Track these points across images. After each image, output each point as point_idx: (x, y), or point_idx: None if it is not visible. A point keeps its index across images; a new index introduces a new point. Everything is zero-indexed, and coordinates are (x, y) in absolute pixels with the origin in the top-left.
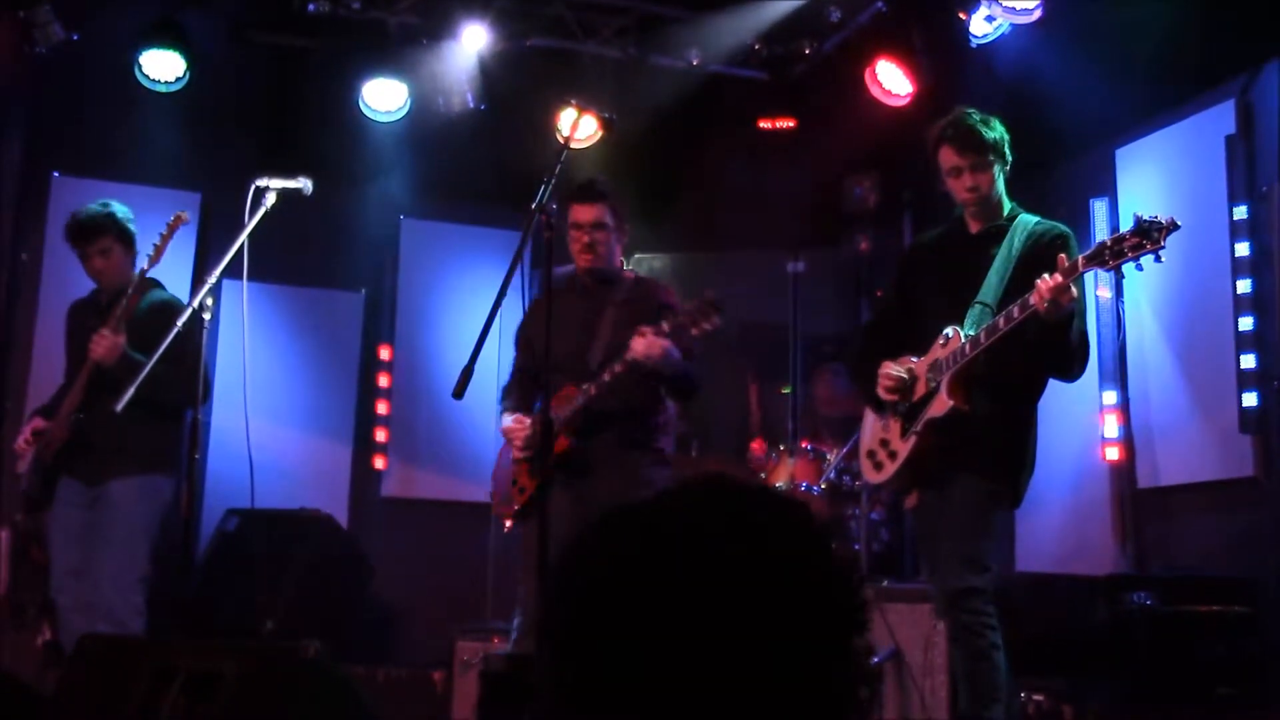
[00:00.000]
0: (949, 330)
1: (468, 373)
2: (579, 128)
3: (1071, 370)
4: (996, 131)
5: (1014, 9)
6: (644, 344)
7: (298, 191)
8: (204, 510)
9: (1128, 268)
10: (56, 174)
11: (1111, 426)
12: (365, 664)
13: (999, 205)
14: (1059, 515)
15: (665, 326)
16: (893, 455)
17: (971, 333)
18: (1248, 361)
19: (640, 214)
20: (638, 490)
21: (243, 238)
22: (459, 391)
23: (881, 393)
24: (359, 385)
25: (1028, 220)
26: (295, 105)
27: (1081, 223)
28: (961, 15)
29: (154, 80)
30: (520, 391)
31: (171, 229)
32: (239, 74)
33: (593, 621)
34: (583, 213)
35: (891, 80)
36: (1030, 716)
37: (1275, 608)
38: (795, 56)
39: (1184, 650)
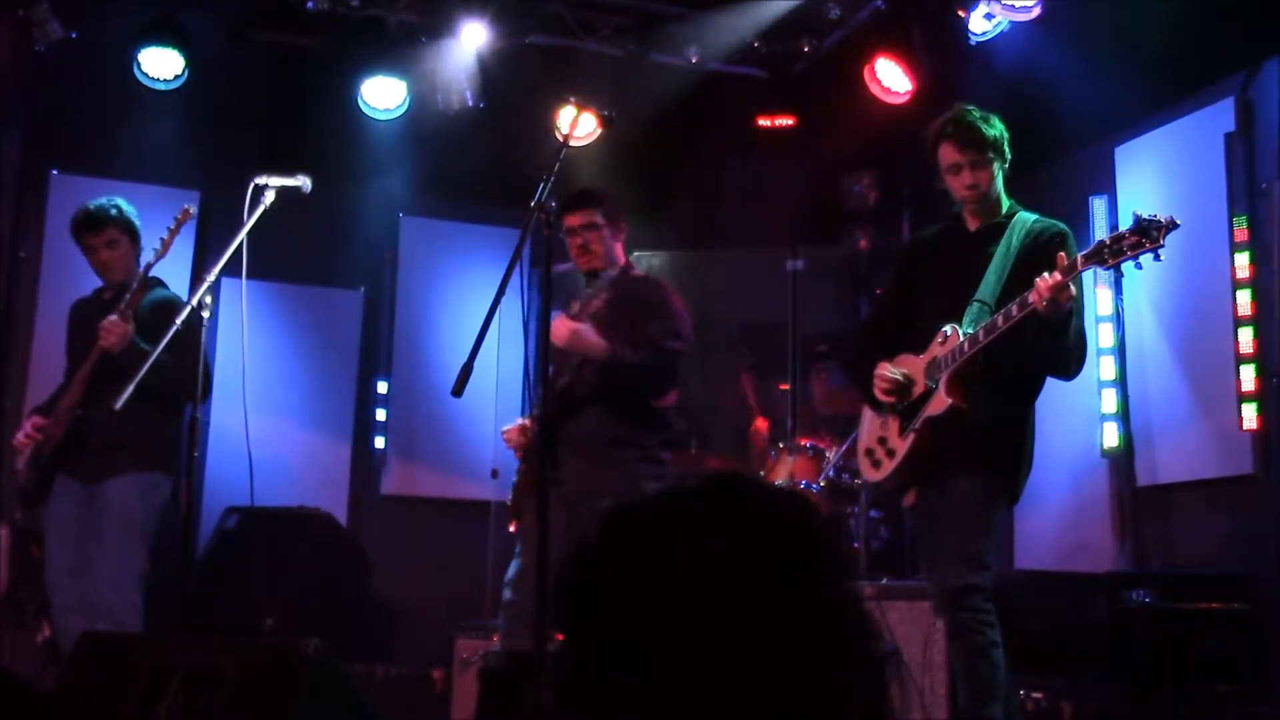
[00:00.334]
0: (947, 328)
1: (467, 370)
2: (578, 125)
3: (1069, 369)
4: (996, 129)
5: (1013, 6)
6: (554, 326)
7: (297, 189)
8: (203, 508)
9: (1126, 266)
10: (55, 172)
11: (1111, 425)
12: (365, 662)
13: (998, 203)
14: (1058, 513)
15: (574, 306)
16: (891, 453)
17: (970, 331)
18: (1246, 360)
19: (639, 211)
20: (605, 485)
21: (242, 235)
22: (458, 389)
23: (878, 394)
24: (358, 383)
25: (1026, 218)
26: (294, 103)
27: (1081, 220)
28: (961, 13)
29: (153, 78)
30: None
31: (179, 223)
32: (238, 72)
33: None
34: (573, 219)
35: (891, 78)
36: (1029, 714)
37: (1274, 605)
38: (795, 54)
39: (1183, 648)
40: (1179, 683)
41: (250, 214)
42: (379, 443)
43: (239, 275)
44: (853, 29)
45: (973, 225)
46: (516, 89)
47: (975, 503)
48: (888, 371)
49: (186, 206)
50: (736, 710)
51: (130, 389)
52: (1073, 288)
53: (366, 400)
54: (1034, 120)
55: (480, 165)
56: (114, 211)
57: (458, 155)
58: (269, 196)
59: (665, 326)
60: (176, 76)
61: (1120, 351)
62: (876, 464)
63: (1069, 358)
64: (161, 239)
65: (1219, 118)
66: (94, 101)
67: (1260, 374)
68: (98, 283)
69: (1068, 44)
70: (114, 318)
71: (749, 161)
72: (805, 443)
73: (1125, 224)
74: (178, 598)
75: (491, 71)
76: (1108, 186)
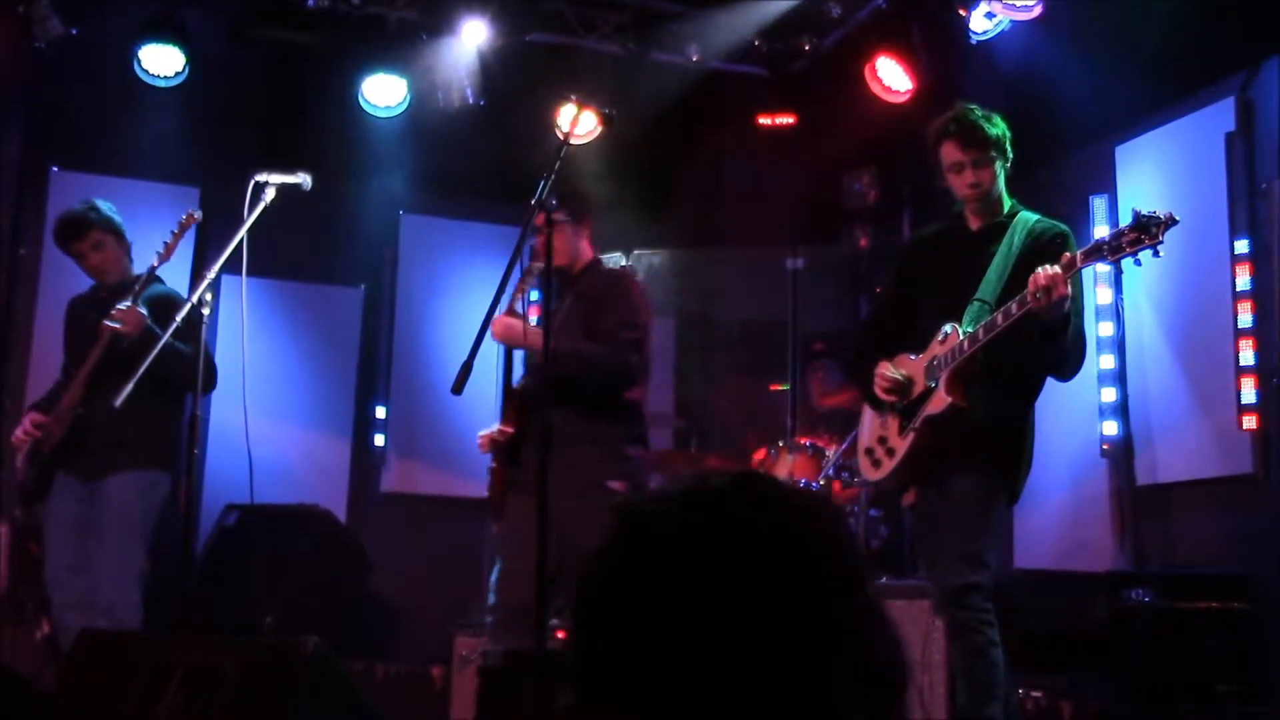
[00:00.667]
0: (947, 327)
1: (466, 368)
2: (579, 123)
3: (1066, 369)
4: (998, 128)
5: (1014, 5)
6: (493, 325)
7: (297, 187)
8: (203, 505)
9: (1126, 263)
10: (55, 169)
11: (1110, 423)
12: (364, 659)
13: (999, 202)
14: (1058, 512)
15: (516, 302)
16: (891, 452)
17: (970, 330)
18: (1246, 358)
19: (640, 210)
20: (569, 482)
21: (242, 233)
22: (458, 387)
23: (879, 394)
24: (358, 381)
25: (1028, 218)
26: (294, 100)
27: (1081, 219)
28: (961, 12)
29: (153, 75)
30: None
31: (183, 227)
32: (238, 69)
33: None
34: (536, 215)
35: (891, 77)
36: (1029, 713)
37: (1274, 604)
38: (795, 53)
39: (1183, 647)
40: (1179, 682)
41: (250, 211)
42: (379, 440)
43: (239, 272)
44: (853, 28)
45: (974, 224)
46: (517, 87)
47: (975, 501)
48: (888, 371)
49: (191, 211)
50: (757, 712)
51: (130, 386)
52: (1069, 286)
53: (366, 398)
54: (1035, 119)
55: (481, 163)
56: (92, 215)
57: (458, 153)
58: (269, 194)
59: (621, 317)
60: (177, 73)
61: (1120, 349)
62: (876, 463)
63: (1065, 359)
64: (165, 243)
65: (1219, 117)
66: (94, 98)
67: (1260, 373)
68: None
69: (1068, 43)
70: (127, 304)
71: (749, 160)
72: (805, 441)
73: (1125, 221)
74: (177, 596)
75: (492, 69)
76: (1108, 186)
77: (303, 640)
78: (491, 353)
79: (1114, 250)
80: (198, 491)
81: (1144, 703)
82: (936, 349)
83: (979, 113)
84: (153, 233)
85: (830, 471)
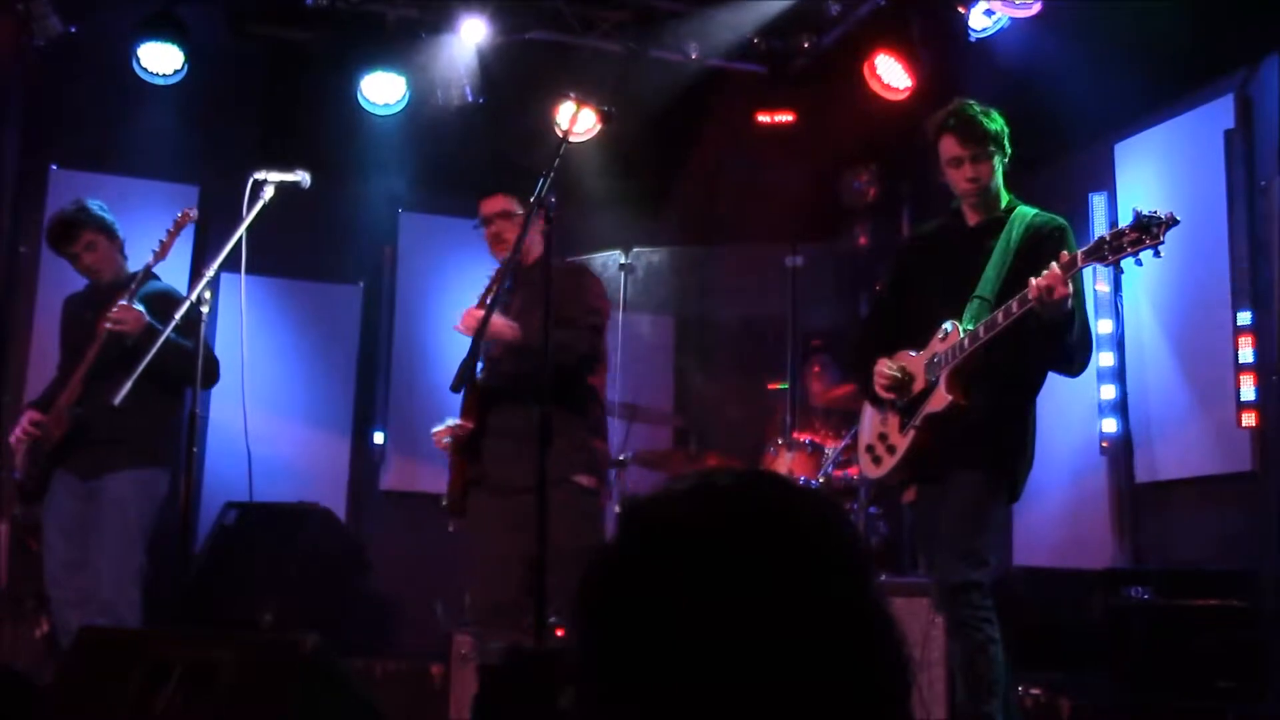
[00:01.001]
0: (947, 324)
1: (465, 366)
2: (578, 121)
3: (1073, 365)
4: (998, 123)
5: (1013, 3)
6: (463, 318)
7: (296, 184)
8: (202, 503)
9: (1126, 263)
10: (54, 167)
11: (1110, 421)
12: (363, 657)
13: (997, 197)
14: (1057, 509)
15: (486, 297)
16: (891, 450)
17: (970, 327)
18: (1245, 356)
19: (639, 207)
20: (532, 476)
21: (241, 230)
22: (457, 385)
23: (879, 391)
24: (357, 379)
25: (1026, 212)
26: (294, 98)
27: (1080, 217)
28: (960, 9)
29: (152, 73)
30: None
31: (179, 225)
32: (237, 67)
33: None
34: (486, 205)
35: (890, 74)
36: (1028, 710)
37: (1272, 601)
38: (794, 50)
39: (1181, 644)
40: (1177, 679)
41: (249, 209)
42: (378, 438)
43: (238, 270)
44: (852, 25)
45: (972, 220)
46: (516, 85)
47: (975, 498)
48: (887, 368)
49: (187, 209)
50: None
51: (129, 384)
52: (1070, 284)
53: (366, 396)
54: (1034, 117)
55: (480, 161)
56: (82, 216)
57: (457, 151)
58: (268, 191)
59: (581, 305)
60: (176, 71)
61: (1119, 347)
62: (877, 460)
63: (1072, 356)
64: (161, 241)
65: (1219, 114)
66: (93, 96)
67: (1259, 371)
68: None
69: (1068, 41)
70: (123, 302)
71: (748, 157)
72: (804, 439)
73: (1125, 220)
74: (177, 593)
75: (491, 67)
76: (1107, 183)
77: (302, 638)
78: None
79: (1115, 250)
80: (197, 489)
81: (1142, 699)
82: (937, 346)
83: (978, 108)
84: (152, 231)
85: (830, 468)
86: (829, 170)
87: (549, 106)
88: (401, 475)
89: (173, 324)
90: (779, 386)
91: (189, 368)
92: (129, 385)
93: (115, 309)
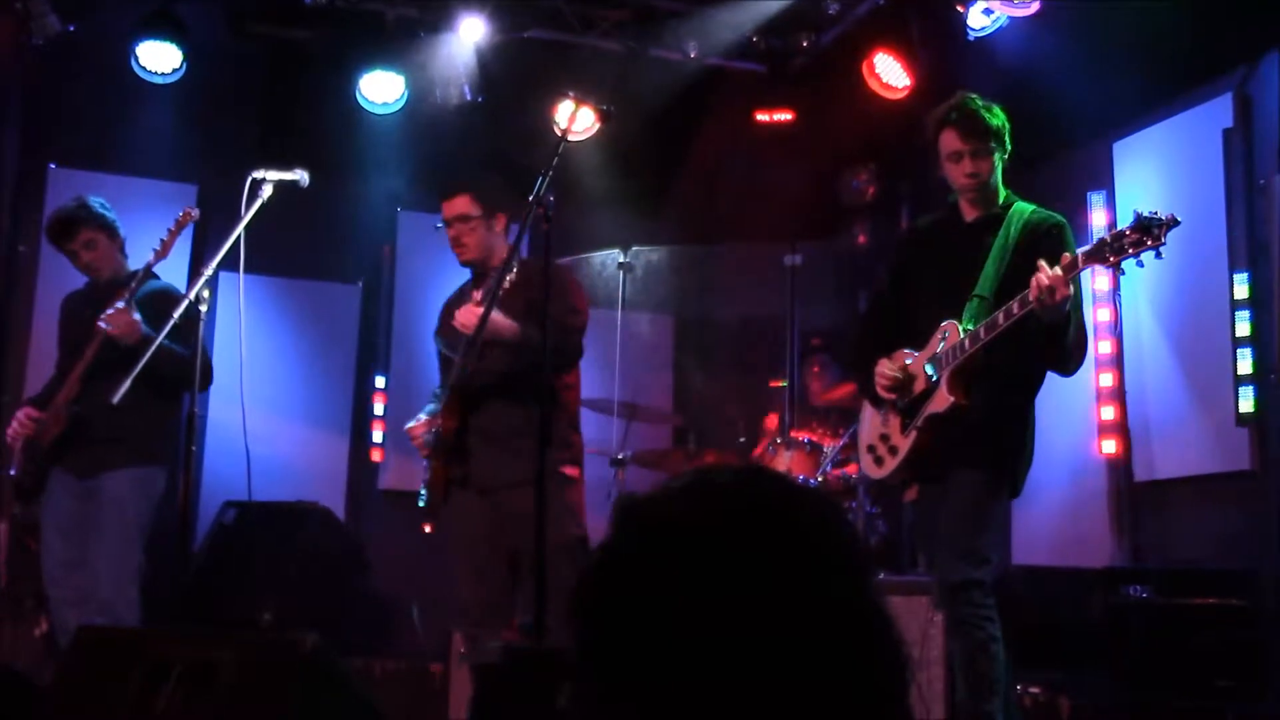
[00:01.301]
0: (947, 324)
1: (465, 365)
2: (576, 120)
3: (1069, 365)
4: (998, 118)
5: (1012, 2)
6: (460, 315)
7: (294, 183)
8: (201, 502)
9: (1128, 264)
10: (53, 166)
11: (1108, 420)
12: (362, 656)
13: (996, 193)
14: (1056, 508)
15: (478, 295)
16: (894, 451)
17: (970, 327)
18: (1244, 354)
19: (638, 206)
20: (518, 473)
21: (239, 229)
22: (456, 383)
23: (880, 391)
24: (356, 378)
25: (1024, 209)
26: (292, 97)
27: (1079, 215)
28: (959, 8)
29: (151, 72)
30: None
31: (180, 225)
32: (236, 65)
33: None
34: (446, 208)
35: (889, 73)
36: (1027, 709)
37: (1271, 600)
38: (793, 49)
39: (1180, 643)
40: (1176, 678)
41: (248, 208)
42: (377, 437)
43: (236, 269)
44: (851, 24)
45: (970, 215)
46: (515, 83)
47: (977, 497)
48: (887, 369)
49: (189, 209)
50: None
51: (128, 383)
52: (1070, 286)
53: (365, 395)
54: (1032, 116)
55: (478, 160)
56: (82, 213)
57: (456, 150)
58: (267, 190)
59: (563, 304)
60: (174, 70)
61: (1118, 345)
62: (879, 460)
63: (1068, 356)
64: (162, 240)
65: (1217, 113)
66: (92, 95)
67: (1258, 369)
68: None
69: (1066, 39)
70: (120, 305)
71: (747, 156)
72: (802, 437)
73: (1125, 220)
74: (175, 592)
75: (490, 66)
76: (1106, 182)
77: (301, 637)
78: None
79: (1116, 251)
80: (196, 488)
81: (1141, 698)
82: (937, 346)
83: (979, 102)
84: (150, 229)
85: (829, 467)
86: (828, 169)
87: (548, 105)
88: (400, 474)
89: (166, 330)
90: (779, 385)
91: (183, 372)
92: (127, 384)
93: (112, 311)
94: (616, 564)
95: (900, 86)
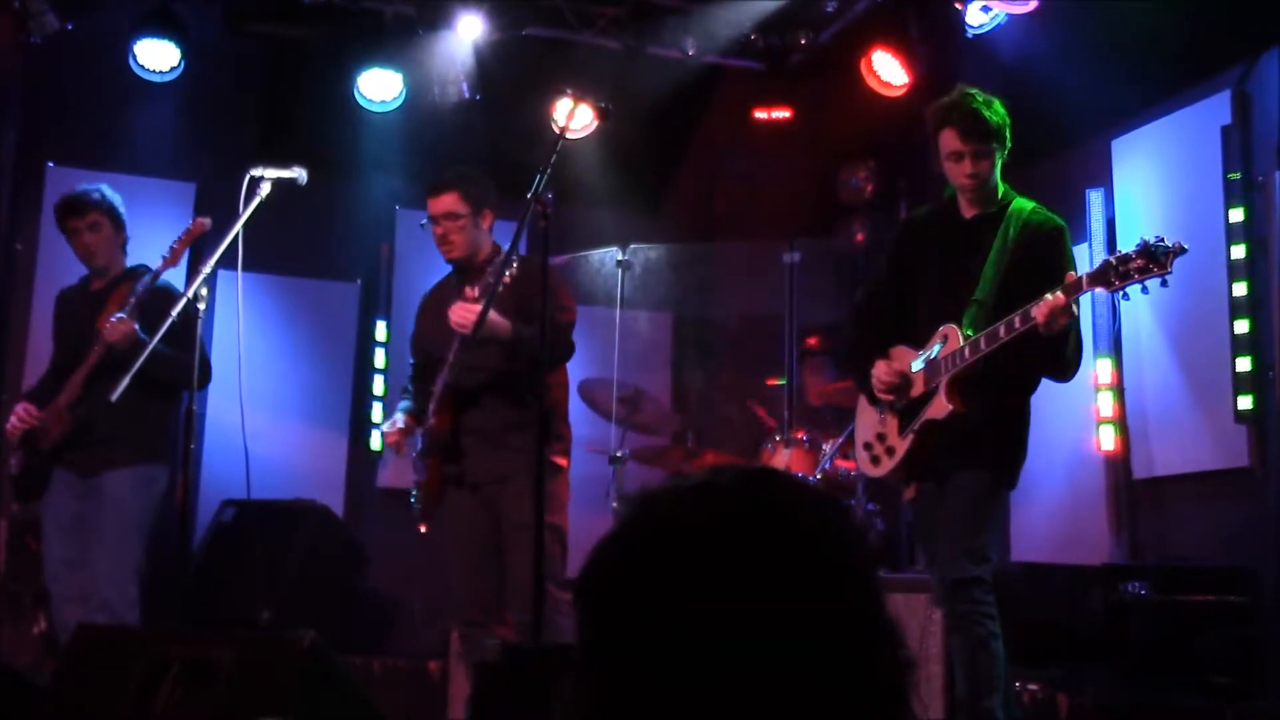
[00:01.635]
0: (947, 328)
1: (464, 365)
2: (575, 117)
3: (1066, 374)
4: (999, 115)
5: None
6: (456, 313)
7: (293, 181)
8: (200, 501)
9: (1132, 289)
10: (51, 164)
11: (1107, 417)
12: (361, 654)
13: (995, 190)
14: (1054, 505)
15: (471, 292)
16: (891, 451)
17: (970, 333)
18: (1242, 352)
19: (636, 204)
20: (511, 468)
21: (238, 228)
22: (456, 381)
23: (878, 394)
24: (355, 376)
25: (1023, 206)
26: (290, 95)
27: (1077, 213)
28: (958, 5)
29: (149, 70)
30: (414, 389)
31: (190, 234)
32: (234, 63)
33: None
34: (433, 205)
35: (888, 71)
36: (1026, 706)
37: (1270, 597)
38: (792, 47)
39: (1179, 640)
40: (1175, 675)
41: (246, 206)
42: (376, 436)
43: (235, 267)
44: (850, 22)
45: (968, 213)
46: (513, 81)
47: (976, 496)
48: (884, 373)
49: (200, 219)
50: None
51: (126, 381)
52: (1074, 308)
53: (363, 393)
54: (1031, 113)
55: (477, 158)
56: (96, 196)
57: (454, 147)
58: (265, 188)
59: (553, 302)
60: (173, 68)
61: (1116, 343)
62: (875, 460)
63: (1066, 365)
64: (172, 248)
65: (1216, 110)
66: (90, 93)
67: (1256, 366)
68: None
69: (1065, 37)
70: (121, 315)
71: (746, 154)
72: (801, 435)
73: (1130, 246)
74: (175, 591)
75: (488, 64)
76: (1105, 179)
77: (300, 635)
78: None
79: (1121, 276)
80: (194, 487)
81: (1140, 695)
82: (933, 348)
83: (980, 98)
84: (149, 229)
85: (827, 465)
86: (826, 167)
87: (546, 103)
88: (399, 473)
89: (161, 331)
90: (778, 383)
91: (179, 375)
92: (125, 382)
93: (115, 320)
94: (620, 563)
95: (899, 84)
